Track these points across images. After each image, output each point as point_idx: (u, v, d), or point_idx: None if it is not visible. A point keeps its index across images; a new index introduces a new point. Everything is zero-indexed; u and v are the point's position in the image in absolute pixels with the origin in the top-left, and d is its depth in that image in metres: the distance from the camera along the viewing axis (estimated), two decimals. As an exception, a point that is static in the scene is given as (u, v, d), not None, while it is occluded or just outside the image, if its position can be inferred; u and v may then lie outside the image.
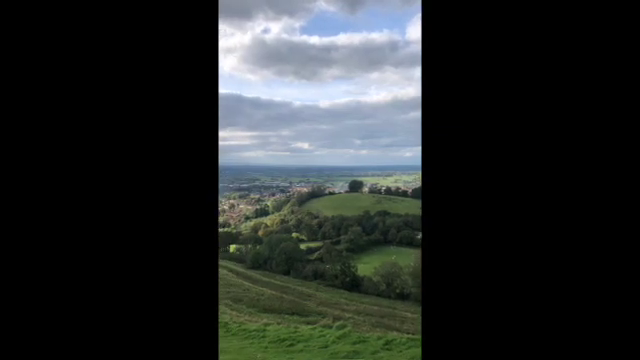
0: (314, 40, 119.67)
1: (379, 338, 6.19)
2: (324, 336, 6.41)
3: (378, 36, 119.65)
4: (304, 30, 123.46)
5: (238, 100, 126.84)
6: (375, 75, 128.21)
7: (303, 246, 29.85)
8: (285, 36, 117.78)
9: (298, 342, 6.13)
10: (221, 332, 6.07)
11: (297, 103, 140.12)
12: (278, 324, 7.11)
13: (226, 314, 10.86)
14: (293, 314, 14.16)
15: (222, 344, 5.50)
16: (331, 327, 6.80)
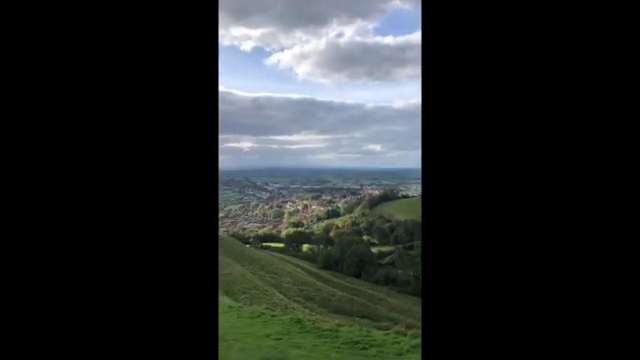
0: (388, 40, 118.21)
1: (459, 351, 5.76)
2: (398, 343, 6.17)
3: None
4: (377, 31, 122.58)
5: (312, 104, 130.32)
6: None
7: (374, 249, 29.49)
8: (358, 39, 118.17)
9: (371, 346, 5.99)
10: (295, 328, 6.19)
11: (370, 105, 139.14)
12: (350, 326, 7.05)
13: (298, 311, 11.12)
14: (364, 317, 14.01)
15: (297, 339, 5.60)
16: (405, 335, 6.53)
